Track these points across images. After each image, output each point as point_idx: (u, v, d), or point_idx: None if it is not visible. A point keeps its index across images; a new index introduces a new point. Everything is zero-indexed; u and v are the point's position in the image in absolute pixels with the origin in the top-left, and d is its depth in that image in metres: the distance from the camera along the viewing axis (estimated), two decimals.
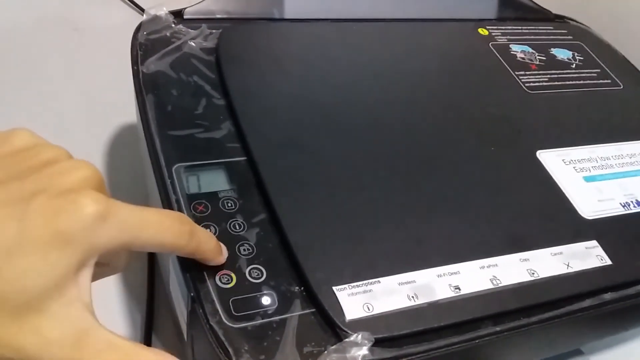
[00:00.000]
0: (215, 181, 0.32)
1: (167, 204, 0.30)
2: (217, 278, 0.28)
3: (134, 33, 0.39)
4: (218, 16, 0.43)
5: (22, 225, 0.20)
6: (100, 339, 0.21)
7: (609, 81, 0.48)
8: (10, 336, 0.19)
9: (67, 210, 0.20)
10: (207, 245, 0.27)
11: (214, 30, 0.41)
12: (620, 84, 0.48)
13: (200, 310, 0.26)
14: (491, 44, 0.48)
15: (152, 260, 0.42)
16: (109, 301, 0.40)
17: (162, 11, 0.40)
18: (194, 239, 0.25)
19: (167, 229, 0.24)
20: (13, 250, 0.19)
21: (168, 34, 0.40)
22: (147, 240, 0.23)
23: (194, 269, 0.28)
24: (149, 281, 0.41)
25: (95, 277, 0.23)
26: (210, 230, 0.30)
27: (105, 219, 0.21)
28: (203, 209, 0.30)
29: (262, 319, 0.27)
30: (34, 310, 0.20)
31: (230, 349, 0.25)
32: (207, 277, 0.28)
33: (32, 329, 0.20)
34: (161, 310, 0.40)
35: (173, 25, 0.40)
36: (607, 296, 0.32)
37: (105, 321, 0.39)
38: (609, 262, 0.33)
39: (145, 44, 0.38)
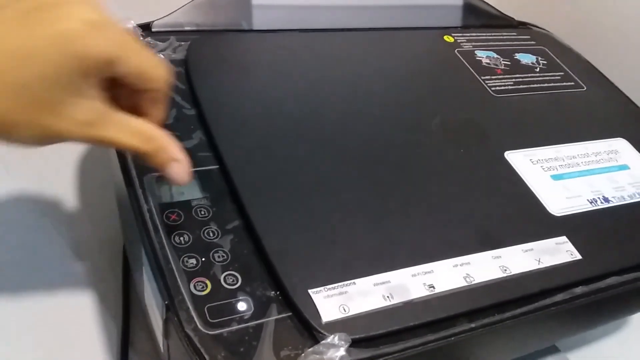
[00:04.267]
0: (187, 190, 0.32)
1: (139, 214, 0.30)
2: (191, 285, 0.28)
3: None
4: (186, 28, 0.43)
5: (30, 33, 0.23)
6: (115, 120, 0.26)
7: (573, 83, 0.50)
8: (42, 124, 0.24)
9: (67, 16, 0.24)
10: (162, 112, 0.29)
11: (182, 42, 0.41)
12: (584, 85, 0.50)
13: (175, 318, 0.26)
14: (457, 51, 0.49)
15: (127, 274, 0.42)
16: (84, 317, 0.40)
17: (130, 24, 0.40)
18: (162, 93, 0.28)
19: (153, 64, 0.27)
20: (28, 57, 0.23)
21: None
22: (133, 65, 0.26)
23: (168, 277, 0.28)
24: (124, 296, 0.41)
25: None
26: (184, 238, 0.29)
27: (101, 27, 0.24)
28: (176, 217, 0.30)
29: (239, 324, 0.27)
30: (58, 105, 0.24)
31: (206, 356, 0.25)
32: (181, 285, 0.27)
33: (60, 118, 0.24)
34: (137, 325, 0.40)
35: (141, 38, 0.40)
36: (578, 290, 0.33)
37: (80, 336, 0.38)
38: (578, 256, 0.34)
39: None
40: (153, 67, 0.27)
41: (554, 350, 0.43)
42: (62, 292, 0.41)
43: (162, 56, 0.40)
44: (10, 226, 0.45)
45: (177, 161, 0.28)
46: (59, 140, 0.25)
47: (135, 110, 0.28)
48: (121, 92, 0.27)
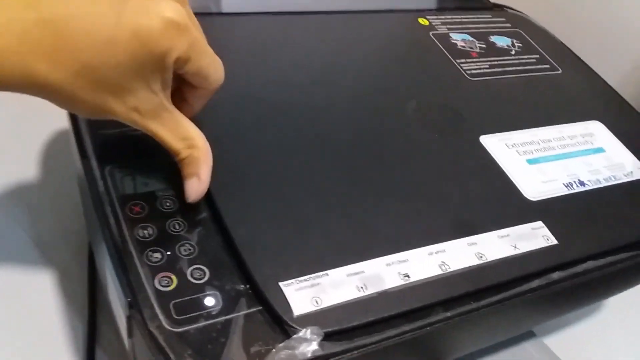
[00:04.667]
0: (151, 180, 0.30)
1: (99, 206, 0.28)
2: (155, 281, 0.26)
3: None
4: None
5: (118, 19, 0.24)
6: (166, 117, 0.28)
7: (548, 66, 0.49)
8: (103, 104, 0.26)
9: (155, 13, 0.25)
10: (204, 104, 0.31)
11: None
12: (559, 68, 0.49)
13: (139, 316, 0.25)
14: (432, 34, 0.48)
15: (93, 270, 0.40)
16: (48, 313, 0.38)
17: None
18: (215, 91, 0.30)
19: (218, 65, 0.29)
20: (108, 42, 0.24)
21: None
22: (202, 66, 0.28)
23: (131, 272, 0.26)
24: (89, 292, 0.39)
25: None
26: (148, 231, 0.28)
27: (184, 29, 0.26)
28: (139, 209, 0.29)
29: (206, 320, 0.26)
30: (124, 91, 0.26)
31: (171, 355, 0.24)
32: (145, 281, 0.26)
33: (122, 102, 0.26)
34: (104, 322, 0.38)
35: None
36: (555, 275, 0.33)
37: (44, 334, 0.37)
38: (555, 241, 0.34)
39: None
40: (215, 70, 0.29)
41: (530, 335, 0.42)
42: (24, 288, 0.40)
43: None
44: None
45: (199, 179, 0.29)
46: (108, 117, 0.27)
47: (176, 93, 0.29)
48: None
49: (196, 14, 0.43)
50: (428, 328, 0.28)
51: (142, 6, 0.25)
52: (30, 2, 0.24)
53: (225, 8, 0.45)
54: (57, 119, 0.49)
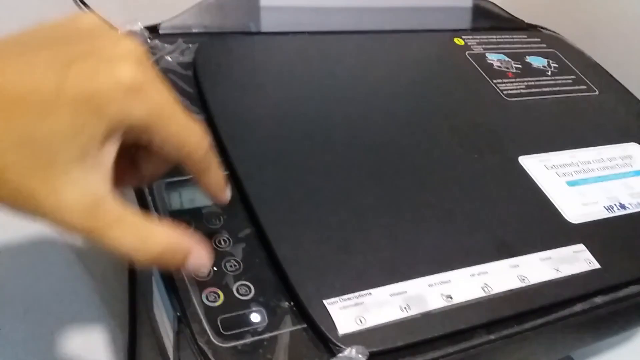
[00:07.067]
0: (197, 197, 0.31)
1: None
2: (203, 296, 0.27)
3: None
4: (194, 30, 0.42)
5: (60, 82, 0.20)
6: (112, 211, 0.22)
7: (585, 87, 0.49)
8: (30, 191, 0.20)
9: (105, 74, 0.21)
10: (217, 172, 0.26)
11: (190, 45, 0.40)
12: (596, 89, 0.49)
13: (188, 331, 0.25)
14: (468, 53, 0.49)
15: (133, 283, 0.41)
16: (89, 324, 0.39)
17: (137, 26, 0.39)
18: (208, 157, 0.25)
19: (193, 131, 0.24)
20: (47, 107, 0.20)
21: None
22: (170, 134, 0.23)
23: (180, 288, 0.27)
24: (130, 303, 0.40)
25: (124, 181, 0.25)
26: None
27: (138, 92, 0.21)
28: (186, 225, 0.29)
29: (252, 337, 0.26)
30: (55, 171, 0.21)
31: None
32: (193, 296, 0.27)
33: (50, 189, 0.21)
34: (144, 335, 0.39)
35: (149, 41, 0.39)
36: (598, 300, 0.32)
37: (86, 347, 0.37)
38: (597, 265, 0.33)
39: None
40: (189, 137, 0.24)
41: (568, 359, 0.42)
42: (65, 299, 0.40)
43: (169, 59, 0.39)
44: (11, 232, 0.44)
45: (191, 252, 0.25)
46: (30, 213, 0.21)
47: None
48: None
49: (236, 33, 0.44)
50: (472, 350, 0.28)
51: (91, 67, 0.21)
52: None
53: (265, 27, 0.45)
54: None
